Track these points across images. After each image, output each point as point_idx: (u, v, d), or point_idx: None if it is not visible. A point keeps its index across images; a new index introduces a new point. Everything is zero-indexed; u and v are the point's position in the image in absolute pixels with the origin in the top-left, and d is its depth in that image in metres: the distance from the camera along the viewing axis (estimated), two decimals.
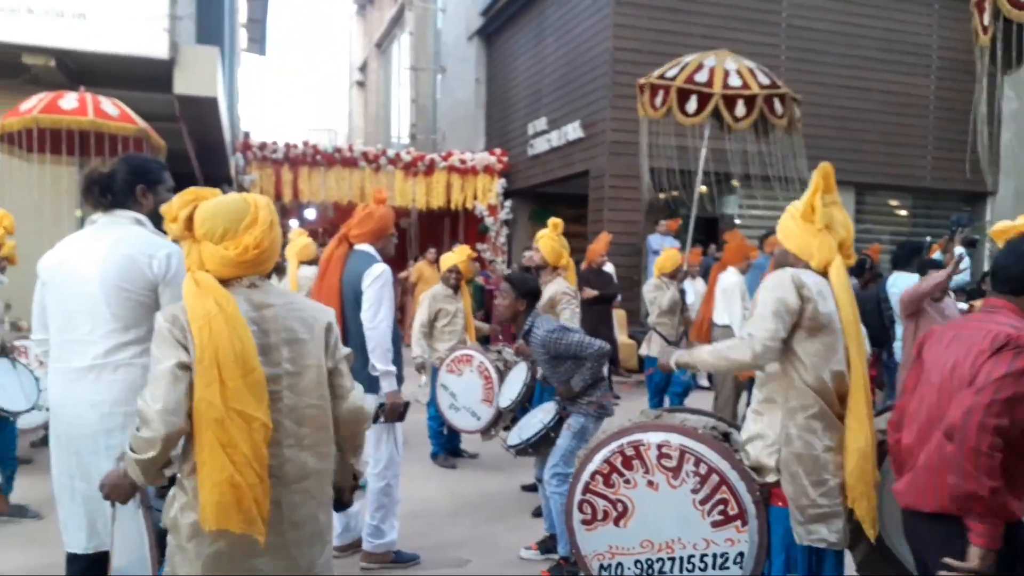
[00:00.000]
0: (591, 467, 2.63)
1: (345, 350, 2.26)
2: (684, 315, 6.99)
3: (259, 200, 2.11)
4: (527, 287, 4.05)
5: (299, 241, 6.86)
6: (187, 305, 1.96)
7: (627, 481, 2.58)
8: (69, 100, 6.13)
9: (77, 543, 2.72)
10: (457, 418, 5.64)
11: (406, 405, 3.95)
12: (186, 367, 1.92)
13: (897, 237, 11.75)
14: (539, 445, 4.21)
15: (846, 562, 2.61)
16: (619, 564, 2.60)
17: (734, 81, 6.59)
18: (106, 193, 2.75)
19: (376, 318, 3.78)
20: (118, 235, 2.69)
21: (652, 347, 6.98)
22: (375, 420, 3.86)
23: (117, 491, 2.11)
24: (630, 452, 2.58)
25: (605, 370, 8.73)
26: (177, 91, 7.98)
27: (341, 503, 2.40)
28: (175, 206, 2.06)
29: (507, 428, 5.29)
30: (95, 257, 2.64)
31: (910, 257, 5.83)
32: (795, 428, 2.45)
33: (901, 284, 5.61)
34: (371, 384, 3.83)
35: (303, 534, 2.08)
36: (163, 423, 1.88)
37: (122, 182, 2.76)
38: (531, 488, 5.48)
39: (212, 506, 1.88)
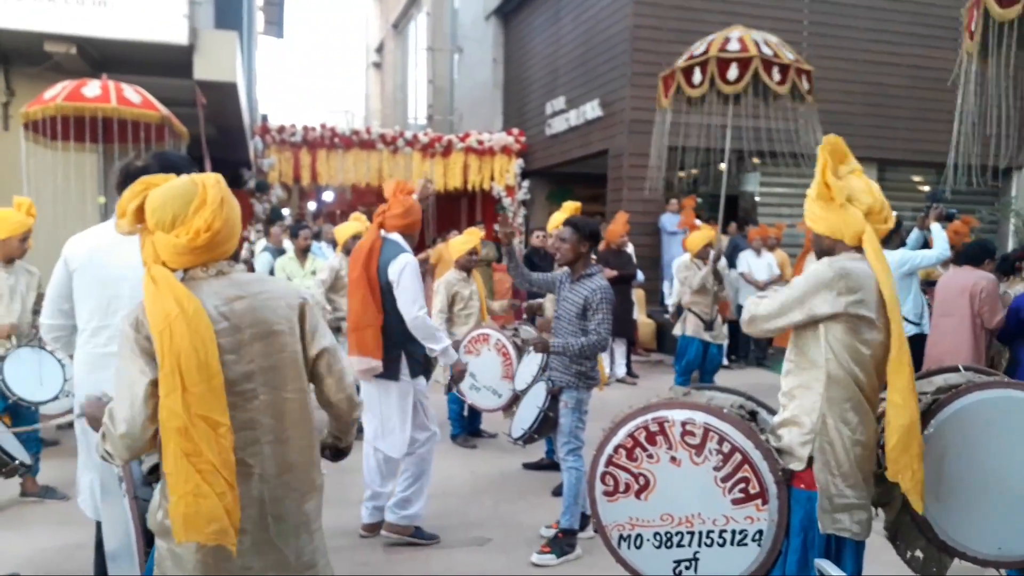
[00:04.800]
0: (615, 440, 2.66)
1: (327, 335, 2.17)
2: (719, 295, 6.94)
3: (208, 179, 1.98)
4: (589, 229, 4.12)
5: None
6: (147, 307, 1.86)
7: (650, 456, 2.61)
8: (92, 87, 6.20)
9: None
10: (478, 398, 5.69)
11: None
12: (156, 384, 1.85)
13: (918, 213, 11.61)
14: (542, 429, 4.28)
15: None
16: (639, 536, 2.64)
17: (733, 46, 6.69)
18: None
19: (413, 308, 3.97)
20: None
21: (687, 327, 6.95)
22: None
23: (93, 421, 2.09)
24: (654, 428, 2.61)
25: (622, 350, 8.77)
26: (197, 76, 8.03)
27: (339, 453, 2.38)
28: (124, 199, 1.93)
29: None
30: (137, 245, 2.69)
31: (889, 234, 5.81)
32: (832, 418, 2.44)
33: None
34: (397, 370, 4.01)
35: (287, 526, 2.04)
36: (124, 448, 1.85)
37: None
38: (533, 467, 5.55)
39: (179, 518, 1.81)
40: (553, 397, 4.17)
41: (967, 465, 2.51)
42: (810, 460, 2.49)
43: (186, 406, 1.80)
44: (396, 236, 4.12)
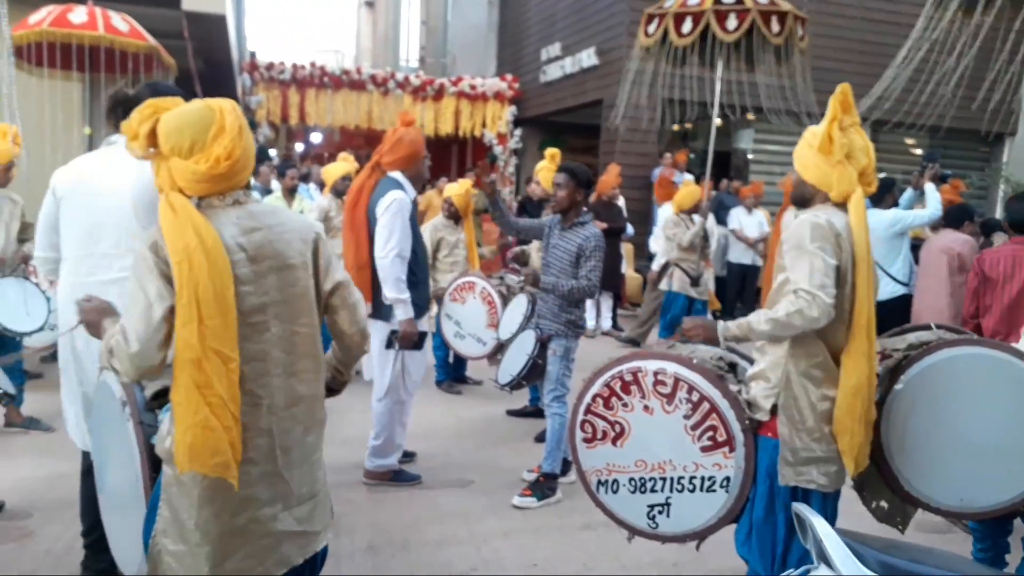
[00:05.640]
0: (593, 390, 2.72)
1: (340, 268, 2.20)
2: (706, 251, 6.98)
3: (224, 105, 1.95)
4: (585, 176, 4.10)
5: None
6: (165, 235, 1.84)
7: (625, 405, 2.67)
8: (78, 14, 6.04)
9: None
10: (463, 346, 5.73)
11: (422, 335, 4.04)
12: (173, 310, 1.84)
13: (910, 176, 11.66)
14: (530, 376, 4.33)
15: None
16: (615, 480, 2.72)
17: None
18: (129, 115, 2.77)
19: (385, 248, 3.84)
20: None
21: (674, 282, 7.01)
22: (388, 346, 4.01)
23: (92, 327, 2.10)
24: (629, 378, 2.66)
25: (609, 304, 8.82)
26: (185, 7, 7.84)
27: (331, 391, 2.42)
28: (134, 122, 1.90)
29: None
30: (125, 173, 2.65)
31: (882, 194, 5.92)
32: (796, 374, 2.46)
33: (872, 221, 5.70)
34: (387, 312, 3.96)
35: (294, 458, 2.08)
36: (135, 367, 1.85)
37: None
38: (517, 413, 5.63)
39: (184, 448, 1.83)
40: (542, 345, 4.22)
41: (934, 419, 2.57)
42: (773, 410, 2.53)
43: (201, 338, 1.80)
44: (396, 174, 4.02)
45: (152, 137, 1.89)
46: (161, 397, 2.17)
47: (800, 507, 2.18)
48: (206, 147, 1.88)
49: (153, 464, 2.08)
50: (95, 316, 2.09)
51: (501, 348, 5.41)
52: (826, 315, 2.34)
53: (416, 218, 4.12)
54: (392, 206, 3.85)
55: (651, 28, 6.94)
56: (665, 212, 7.88)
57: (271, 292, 1.98)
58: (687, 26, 6.64)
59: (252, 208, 2.01)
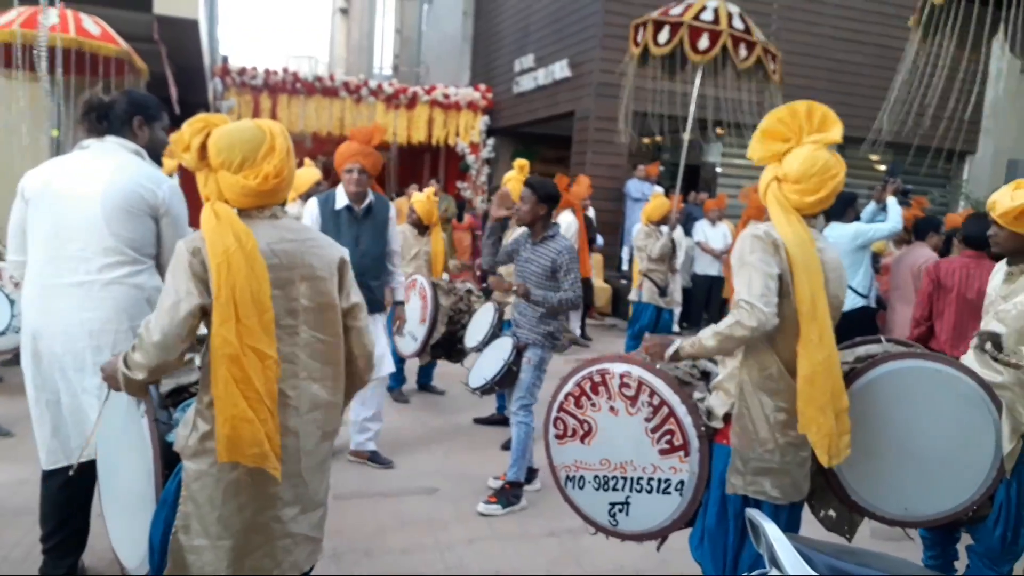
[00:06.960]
0: (566, 388, 2.82)
1: (359, 292, 2.30)
2: (672, 263, 7.10)
3: (274, 127, 2.09)
4: (546, 191, 4.12)
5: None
6: (206, 238, 1.95)
7: (593, 404, 2.77)
8: (49, 15, 5.98)
9: (58, 458, 2.82)
10: (402, 344, 5.78)
11: None
12: (202, 309, 1.96)
13: (872, 191, 11.91)
14: (503, 381, 4.37)
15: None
16: (581, 477, 2.82)
17: (707, 16, 6.71)
18: (102, 120, 2.79)
19: None
20: (120, 160, 2.73)
21: (643, 293, 7.11)
22: None
23: (110, 380, 2.18)
24: (597, 379, 2.75)
25: (578, 313, 8.90)
26: (157, 11, 7.79)
27: None
28: (187, 134, 2.03)
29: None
30: (97, 177, 2.67)
31: (844, 209, 6.07)
32: (749, 385, 2.50)
33: (834, 235, 5.87)
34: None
35: (314, 462, 2.18)
36: (155, 356, 1.96)
37: (121, 112, 2.81)
38: (483, 421, 5.66)
39: (224, 439, 1.94)
40: (518, 352, 4.27)
41: (879, 431, 2.64)
42: (725, 418, 2.58)
43: (238, 336, 1.92)
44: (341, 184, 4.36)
45: (202, 150, 2.03)
46: (175, 395, 2.27)
47: (753, 512, 2.23)
48: (256, 164, 2.02)
49: (165, 461, 2.16)
50: (111, 371, 2.15)
51: (428, 343, 5.53)
52: (765, 323, 2.36)
53: (338, 223, 4.27)
54: (308, 213, 4.31)
55: (661, 38, 6.99)
56: (567, 218, 7.93)
57: (301, 299, 2.11)
58: (664, 36, 6.74)
59: (287, 223, 2.15)
